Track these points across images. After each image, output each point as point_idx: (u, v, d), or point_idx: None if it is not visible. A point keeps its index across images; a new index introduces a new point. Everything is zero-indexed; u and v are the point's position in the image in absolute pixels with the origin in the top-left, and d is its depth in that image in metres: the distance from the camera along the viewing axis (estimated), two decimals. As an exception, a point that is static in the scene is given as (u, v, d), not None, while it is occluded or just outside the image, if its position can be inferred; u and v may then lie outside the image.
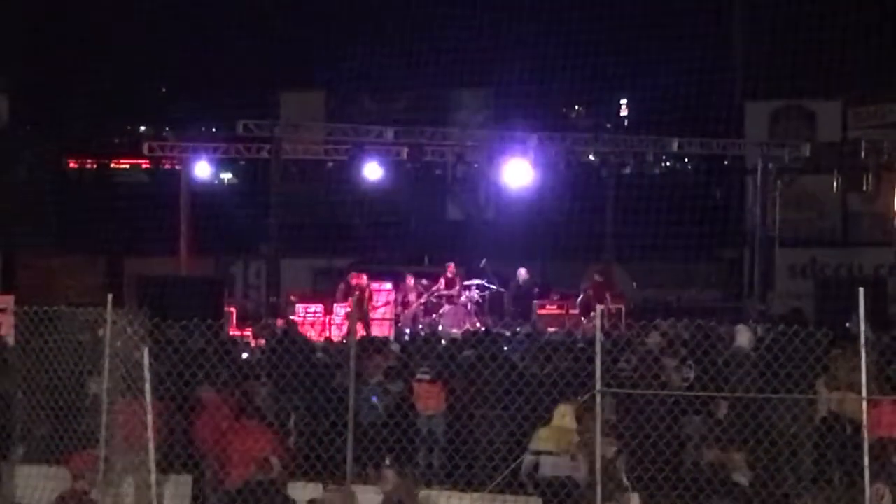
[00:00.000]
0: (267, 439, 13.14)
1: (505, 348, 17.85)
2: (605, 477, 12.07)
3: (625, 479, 12.87)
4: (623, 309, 29.51)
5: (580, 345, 16.29)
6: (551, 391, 13.56)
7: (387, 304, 30.11)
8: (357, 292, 28.34)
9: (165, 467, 12.86)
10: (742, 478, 12.75)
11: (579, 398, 13.09)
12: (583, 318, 28.64)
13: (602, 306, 13.44)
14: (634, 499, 12.86)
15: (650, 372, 14.33)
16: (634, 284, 34.60)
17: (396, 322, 29.50)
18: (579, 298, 30.40)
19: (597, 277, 31.20)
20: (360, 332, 24.88)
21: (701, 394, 13.47)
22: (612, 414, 13.29)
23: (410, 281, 30.05)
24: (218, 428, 13.23)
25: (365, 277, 29.52)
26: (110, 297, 12.82)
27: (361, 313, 26.88)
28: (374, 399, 15.50)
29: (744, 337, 16.57)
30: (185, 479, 13.43)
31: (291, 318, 28.00)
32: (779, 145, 33.57)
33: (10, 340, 15.53)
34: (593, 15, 35.64)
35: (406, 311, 29.65)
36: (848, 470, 12.46)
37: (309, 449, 13.43)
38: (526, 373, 14.87)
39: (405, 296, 29.87)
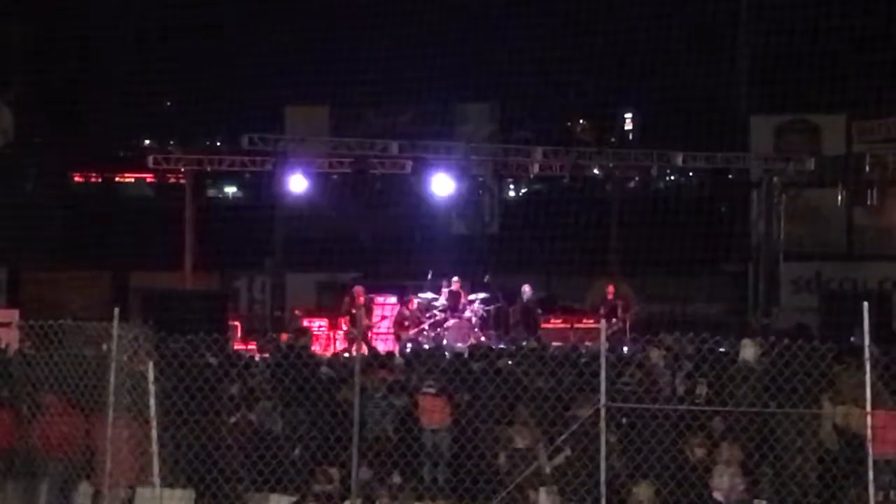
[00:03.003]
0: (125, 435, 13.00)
1: (510, 362, 17.82)
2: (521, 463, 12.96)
3: (547, 468, 13.36)
4: (627, 323, 29.51)
5: (584, 359, 16.27)
6: (556, 405, 13.58)
7: (391, 317, 30.02)
8: (353, 309, 28.24)
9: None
10: (737, 478, 12.82)
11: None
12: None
13: (608, 322, 13.62)
14: (542, 491, 13.19)
15: (655, 387, 14.31)
16: (638, 299, 34.55)
17: (398, 337, 29.40)
18: (600, 310, 30.38)
19: (606, 291, 31.16)
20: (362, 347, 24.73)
21: (706, 408, 13.45)
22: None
23: (413, 304, 29.71)
24: (61, 430, 13.12)
25: (363, 293, 29.40)
26: (117, 310, 12.82)
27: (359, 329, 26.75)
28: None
29: (749, 351, 16.51)
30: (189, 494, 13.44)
31: (302, 327, 28.05)
32: (783, 159, 33.59)
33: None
34: (598, 29, 35.69)
35: (405, 334, 29.34)
36: (853, 484, 12.43)
37: (315, 463, 13.43)
38: (531, 387, 14.85)
39: (403, 318, 29.54)
